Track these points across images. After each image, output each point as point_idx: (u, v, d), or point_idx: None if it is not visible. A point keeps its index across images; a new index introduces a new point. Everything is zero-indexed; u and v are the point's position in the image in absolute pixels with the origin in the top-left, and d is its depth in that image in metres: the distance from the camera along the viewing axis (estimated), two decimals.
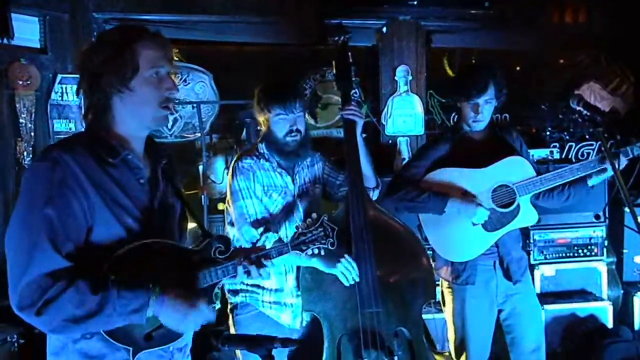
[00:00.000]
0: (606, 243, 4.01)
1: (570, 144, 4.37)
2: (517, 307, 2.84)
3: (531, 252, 3.90)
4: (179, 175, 1.93)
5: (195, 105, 4.47)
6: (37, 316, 1.46)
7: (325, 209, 2.68)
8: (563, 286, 4.00)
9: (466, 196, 2.71)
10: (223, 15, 4.26)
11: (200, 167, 4.41)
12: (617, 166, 2.54)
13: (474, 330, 2.81)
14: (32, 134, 3.82)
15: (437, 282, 2.75)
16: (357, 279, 2.39)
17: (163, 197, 1.74)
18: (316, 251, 1.96)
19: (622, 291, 4.06)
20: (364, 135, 2.69)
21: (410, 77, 4.41)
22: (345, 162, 2.58)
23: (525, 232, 2.94)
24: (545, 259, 3.97)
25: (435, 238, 2.81)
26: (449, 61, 5.07)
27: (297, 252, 1.94)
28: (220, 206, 4.07)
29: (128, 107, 1.63)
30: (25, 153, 3.77)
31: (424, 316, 2.64)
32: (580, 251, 3.99)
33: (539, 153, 4.14)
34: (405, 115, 4.43)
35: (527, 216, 2.75)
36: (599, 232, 3.99)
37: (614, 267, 4.07)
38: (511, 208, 2.72)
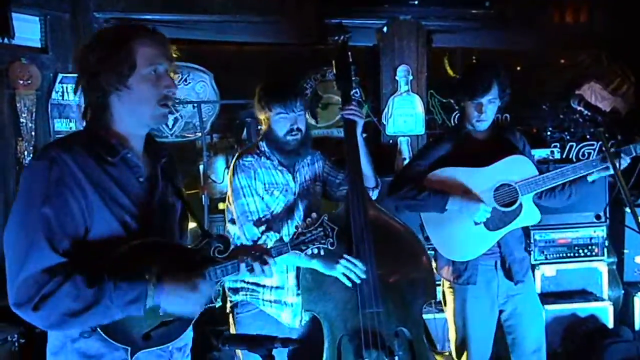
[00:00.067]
0: (607, 243, 4.00)
1: (571, 144, 4.37)
2: (518, 307, 2.84)
3: (532, 252, 3.90)
4: (180, 175, 1.93)
5: (195, 104, 4.47)
6: (34, 312, 1.46)
7: (325, 208, 2.68)
8: (564, 286, 4.00)
9: (467, 194, 2.71)
10: (224, 15, 4.26)
11: (201, 167, 4.40)
12: (618, 166, 2.54)
13: (474, 330, 2.80)
14: (33, 133, 3.82)
15: (438, 282, 2.75)
16: (364, 276, 2.39)
17: (163, 196, 1.74)
18: (315, 251, 1.95)
19: (622, 291, 4.06)
20: (364, 135, 2.69)
21: (410, 77, 4.41)
22: (346, 161, 2.58)
23: (525, 232, 2.93)
24: (546, 259, 3.97)
25: (437, 237, 2.81)
26: (449, 61, 5.07)
27: (297, 251, 1.94)
28: (221, 206, 4.07)
29: (126, 105, 1.63)
30: (26, 152, 3.77)
31: (425, 316, 2.64)
32: (581, 251, 3.99)
33: (539, 153, 4.14)
34: (405, 115, 4.43)
35: (529, 215, 2.74)
36: (600, 232, 3.99)
37: (614, 267, 4.06)
38: (513, 207, 2.71)
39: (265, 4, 4.30)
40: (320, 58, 4.69)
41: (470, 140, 2.83)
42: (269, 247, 1.92)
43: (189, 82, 4.63)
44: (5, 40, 3.59)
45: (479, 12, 4.43)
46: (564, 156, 4.33)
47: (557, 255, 3.98)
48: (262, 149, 2.60)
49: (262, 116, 2.60)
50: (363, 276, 2.38)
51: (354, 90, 2.67)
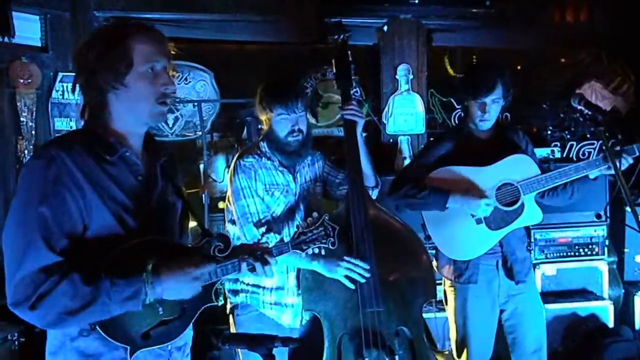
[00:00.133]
0: (607, 242, 4.00)
1: (572, 143, 4.37)
2: (519, 307, 2.84)
3: (532, 251, 3.89)
4: (180, 174, 1.92)
5: (196, 103, 4.47)
6: (32, 310, 1.46)
7: (325, 207, 2.68)
8: (564, 285, 4.00)
9: (468, 192, 2.70)
10: (224, 13, 4.26)
11: (201, 166, 4.40)
12: (618, 165, 2.54)
13: (475, 329, 2.80)
14: (33, 132, 3.82)
15: (439, 281, 2.75)
16: (368, 275, 2.38)
17: (162, 195, 1.73)
18: (317, 250, 1.95)
19: (623, 290, 4.05)
20: (364, 134, 2.68)
21: (411, 76, 4.40)
22: (346, 161, 2.57)
23: (526, 232, 2.93)
24: (546, 258, 3.97)
25: (438, 236, 2.80)
26: (450, 60, 5.06)
27: (298, 251, 1.93)
28: (221, 205, 4.07)
29: (124, 103, 1.62)
30: (26, 151, 3.78)
31: (425, 315, 2.64)
32: (581, 250, 3.98)
33: (540, 152, 4.13)
34: (406, 114, 4.43)
35: (531, 215, 2.74)
36: (600, 232, 3.99)
37: (615, 266, 4.06)
38: (515, 206, 2.70)
39: (265, 3, 4.30)
40: (320, 57, 4.69)
41: (472, 140, 2.82)
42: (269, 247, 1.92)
43: (190, 81, 4.63)
44: (6, 39, 3.59)
45: (480, 11, 4.42)
46: (564, 155, 4.32)
47: (558, 254, 3.97)
48: (263, 150, 2.59)
49: (263, 117, 2.59)
50: (367, 275, 2.38)
51: (354, 89, 2.66)
